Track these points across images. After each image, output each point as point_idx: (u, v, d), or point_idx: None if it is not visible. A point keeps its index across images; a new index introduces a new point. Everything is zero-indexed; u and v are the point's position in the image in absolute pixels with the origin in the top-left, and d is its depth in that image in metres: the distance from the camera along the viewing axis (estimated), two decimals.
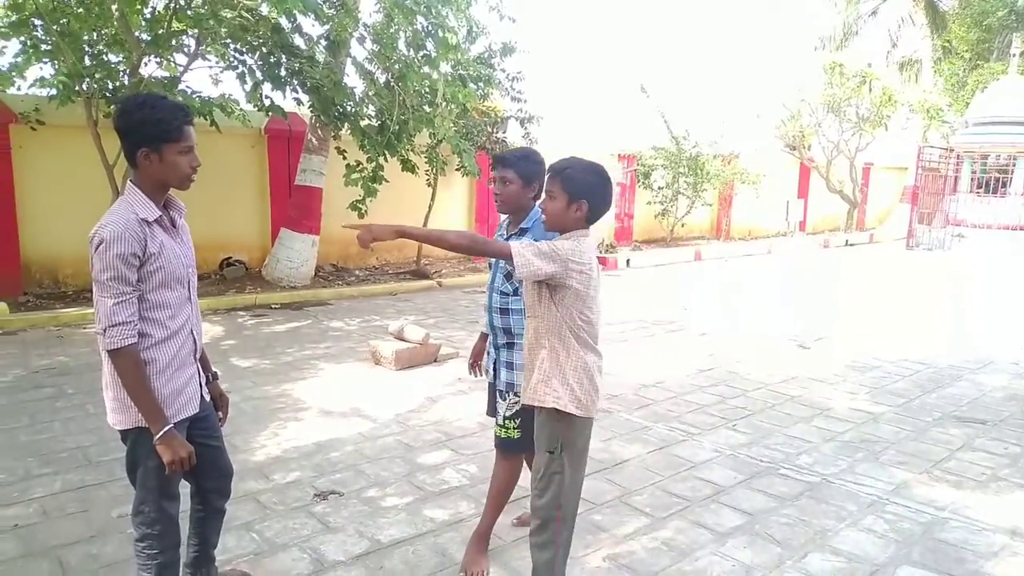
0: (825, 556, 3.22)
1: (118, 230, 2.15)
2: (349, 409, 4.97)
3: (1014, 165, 16.62)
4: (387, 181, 9.00)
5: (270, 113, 8.37)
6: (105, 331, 2.16)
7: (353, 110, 8.55)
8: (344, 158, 8.93)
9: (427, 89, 8.63)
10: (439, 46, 7.84)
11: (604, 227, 14.44)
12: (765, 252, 15.92)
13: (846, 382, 5.97)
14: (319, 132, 9.31)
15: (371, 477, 3.91)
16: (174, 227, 2.37)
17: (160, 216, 2.28)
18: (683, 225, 15.38)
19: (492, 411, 3.13)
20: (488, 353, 3.13)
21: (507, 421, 2.93)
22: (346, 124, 8.79)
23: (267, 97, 8.12)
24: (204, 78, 8.07)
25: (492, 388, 3.10)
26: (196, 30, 7.32)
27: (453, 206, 12.12)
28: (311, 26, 8.49)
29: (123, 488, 3.69)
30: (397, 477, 3.92)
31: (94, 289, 2.19)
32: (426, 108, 8.74)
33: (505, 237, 2.96)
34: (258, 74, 8.12)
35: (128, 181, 2.29)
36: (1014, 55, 16.90)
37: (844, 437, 4.72)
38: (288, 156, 10.07)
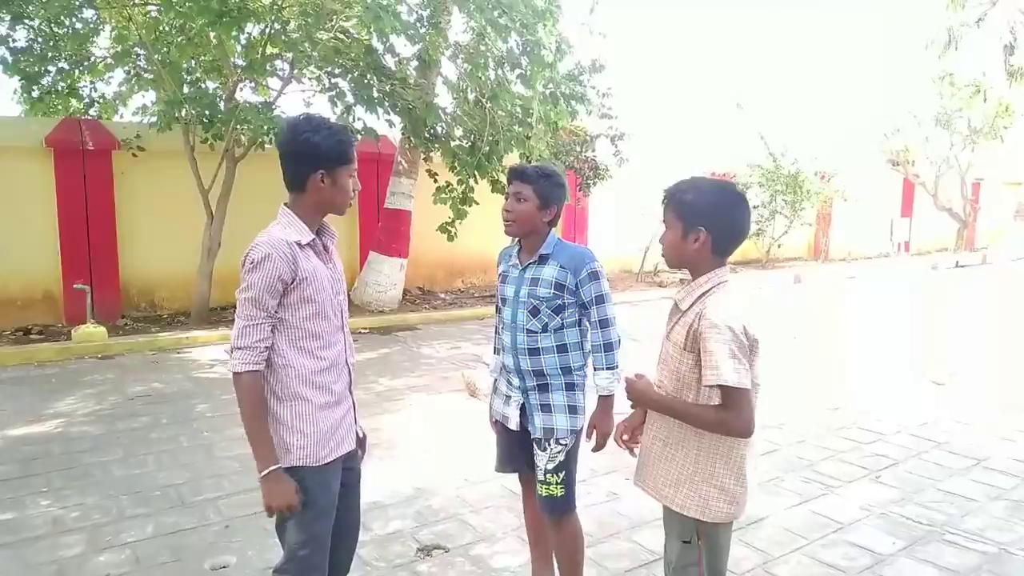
0: None
1: (268, 251, 2.05)
2: (447, 448, 4.65)
3: None
4: (477, 203, 8.75)
5: (361, 135, 8.27)
6: (232, 352, 2.06)
7: (444, 131, 8.36)
8: (435, 180, 8.75)
9: (518, 108, 8.37)
10: (534, 63, 7.56)
11: None
12: (869, 274, 14.93)
13: (998, 427, 5.26)
14: (408, 155, 9.17)
15: (477, 530, 3.56)
16: (327, 252, 2.25)
17: (314, 239, 2.17)
18: (779, 246, 14.60)
19: (509, 464, 2.78)
20: (505, 396, 2.69)
21: (550, 476, 2.56)
22: (436, 145, 8.60)
23: (359, 119, 8.02)
24: (296, 102, 8.03)
25: (507, 438, 2.72)
26: (290, 54, 7.27)
27: None
28: (403, 47, 8.38)
29: (216, 534, 3.46)
30: (506, 531, 3.55)
31: (239, 305, 2.10)
32: (516, 128, 8.47)
33: (520, 268, 2.61)
34: (349, 97, 8.03)
35: (283, 206, 2.17)
36: None
37: (1013, 495, 4.07)
38: (377, 179, 9.98)
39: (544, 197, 2.56)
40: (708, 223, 1.99)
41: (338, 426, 2.22)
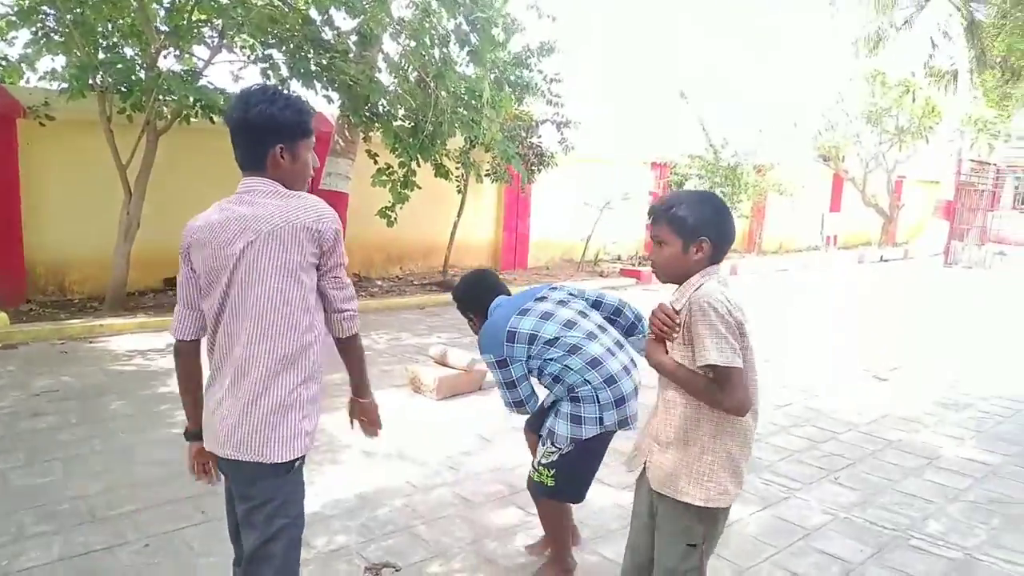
0: None
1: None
2: (393, 449, 4.32)
3: None
4: (419, 187, 8.38)
5: None
6: (351, 315, 2.09)
7: (386, 110, 7.94)
8: (375, 162, 8.32)
9: (463, 90, 8.01)
10: (484, 42, 7.21)
11: (635, 240, 13.81)
12: (801, 267, 15.24)
13: (944, 423, 5.30)
14: (346, 134, 8.69)
15: (430, 544, 3.27)
16: None
17: None
18: None
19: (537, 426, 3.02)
20: None
21: (541, 468, 2.80)
22: (376, 125, 8.17)
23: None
24: (224, 73, 7.43)
25: (540, 412, 2.96)
26: (220, 20, 6.71)
27: (481, 215, 11.50)
28: (343, 19, 7.89)
29: (133, 555, 3.06)
30: (461, 545, 3.27)
31: (340, 274, 2.07)
32: (461, 110, 8.13)
33: None
34: (284, 70, 7.51)
35: (262, 180, 1.96)
36: None
37: (969, 496, 4.05)
38: None
39: (471, 310, 3.07)
40: (708, 234, 2.05)
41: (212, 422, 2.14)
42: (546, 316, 2.77)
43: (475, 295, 2.99)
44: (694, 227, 2.04)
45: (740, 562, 3.23)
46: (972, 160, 17.54)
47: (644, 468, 2.20)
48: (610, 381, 2.69)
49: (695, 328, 1.97)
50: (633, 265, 12.60)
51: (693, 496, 2.04)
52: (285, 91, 1.99)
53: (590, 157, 11.77)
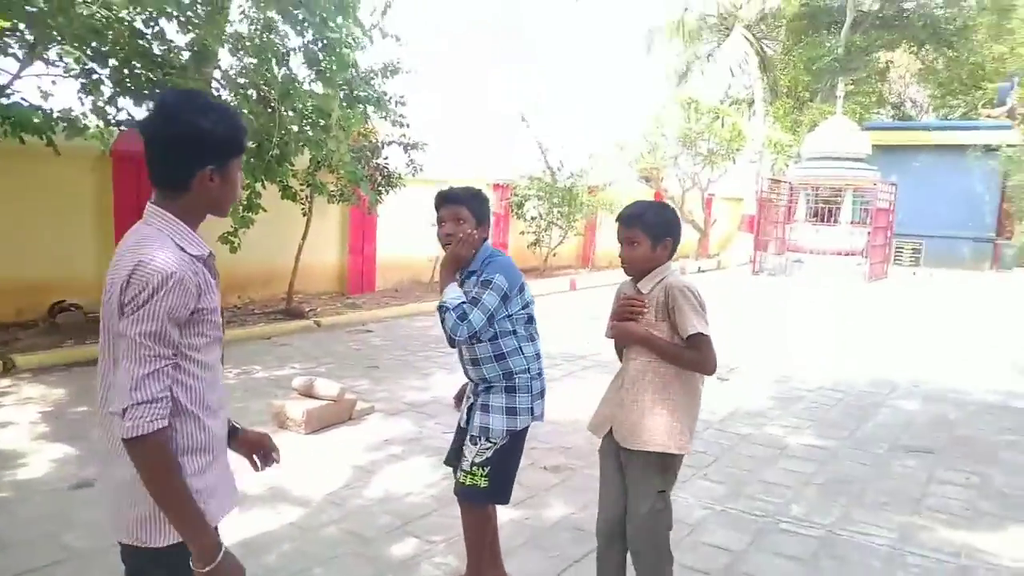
0: None
1: (174, 269, 1.58)
2: (267, 491, 4.04)
3: (842, 196, 18.20)
4: (265, 210, 7.96)
5: (121, 130, 7.11)
6: (128, 411, 1.54)
7: None
8: None
9: (309, 108, 7.74)
10: (337, 63, 7.00)
11: None
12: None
13: (784, 416, 5.85)
14: None
15: None
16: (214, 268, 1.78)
17: (211, 253, 1.75)
18: (555, 255, 15.29)
19: (454, 458, 2.92)
20: (468, 397, 2.93)
21: (475, 468, 2.74)
22: None
23: (121, 111, 6.86)
24: (30, 87, 6.57)
25: (457, 433, 2.93)
26: (33, 28, 6.01)
27: (326, 238, 11.12)
28: (175, 33, 7.33)
29: None
30: None
31: (120, 349, 1.59)
32: (308, 130, 7.85)
33: (459, 282, 2.73)
34: (105, 85, 6.84)
35: (155, 207, 1.69)
36: (839, 96, 18.63)
37: (818, 479, 4.50)
38: (139, 182, 8.69)
39: (479, 215, 2.75)
40: (671, 234, 2.56)
41: (225, 483, 1.82)
42: (532, 300, 2.87)
43: (485, 205, 2.79)
44: (661, 230, 2.52)
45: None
46: (769, 179, 19.60)
47: (610, 435, 2.63)
48: (541, 373, 2.88)
49: (678, 307, 2.44)
50: None
51: (666, 446, 2.48)
52: (212, 99, 1.75)
53: (436, 178, 11.76)
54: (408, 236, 12.23)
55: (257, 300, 10.38)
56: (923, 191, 20.73)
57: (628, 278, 2.68)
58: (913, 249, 21.34)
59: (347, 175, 7.85)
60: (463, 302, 2.61)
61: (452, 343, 2.63)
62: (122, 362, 1.58)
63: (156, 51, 7.21)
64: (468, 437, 2.79)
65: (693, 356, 2.48)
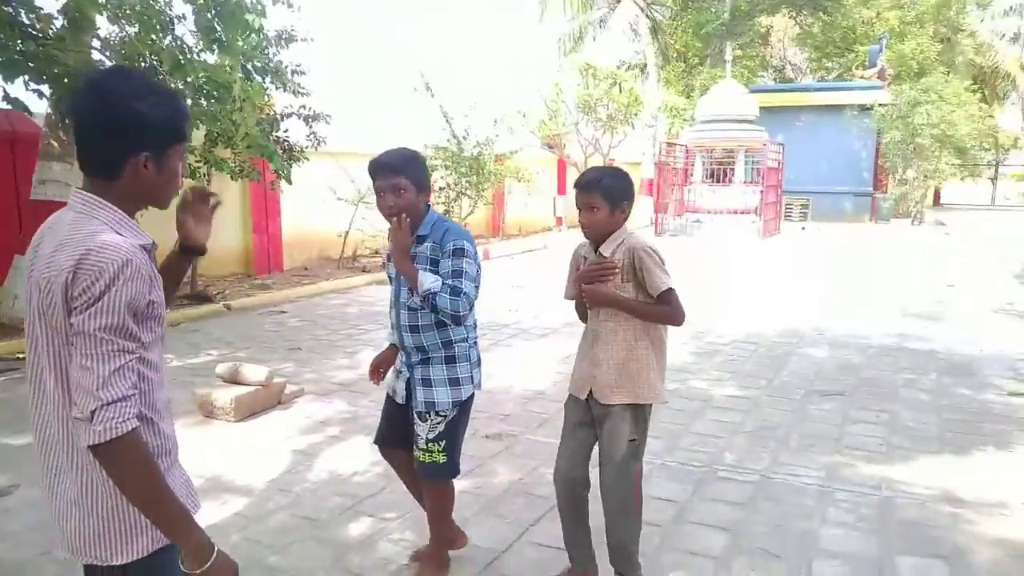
0: (829, 562, 3.09)
1: (127, 257, 1.45)
2: (207, 482, 3.86)
3: (734, 157, 18.99)
4: None
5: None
6: (96, 413, 1.40)
7: None
8: None
9: (202, 80, 7.29)
10: (232, 29, 6.59)
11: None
12: (543, 247, 16.37)
13: (705, 369, 6.10)
14: (60, 134, 7.45)
15: (291, 573, 3.00)
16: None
17: (154, 243, 1.60)
18: (466, 225, 15.22)
19: (389, 438, 2.90)
20: (396, 371, 2.86)
21: (431, 444, 2.71)
22: None
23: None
24: None
25: (393, 411, 2.86)
26: None
27: (227, 216, 10.60)
28: None
29: None
30: (325, 566, 3.06)
31: (77, 347, 1.44)
32: (203, 103, 7.41)
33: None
34: None
35: (85, 194, 1.54)
36: (727, 61, 19.31)
37: (745, 427, 4.73)
38: (13, 165, 7.98)
39: (419, 182, 2.64)
40: (627, 198, 2.65)
41: (184, 486, 1.68)
42: None
43: (423, 169, 2.68)
44: (618, 194, 2.61)
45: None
46: (665, 142, 20.18)
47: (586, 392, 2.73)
48: (476, 342, 2.87)
49: (645, 267, 2.56)
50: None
51: (644, 397, 2.64)
52: (151, 81, 1.57)
53: (340, 151, 11.44)
54: (314, 212, 11.86)
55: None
56: (807, 150, 21.95)
57: (584, 242, 2.76)
58: (801, 205, 22.62)
59: (256, 150, 7.47)
60: (443, 282, 2.57)
61: (458, 320, 2.62)
62: (81, 362, 1.44)
63: (24, 20, 6.60)
64: (415, 414, 2.73)
65: (664, 311, 2.63)
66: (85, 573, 1.64)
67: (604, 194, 2.58)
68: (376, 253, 13.26)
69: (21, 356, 6.62)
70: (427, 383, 2.70)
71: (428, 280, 2.56)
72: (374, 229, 12.75)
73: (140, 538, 1.55)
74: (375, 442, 2.97)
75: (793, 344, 6.94)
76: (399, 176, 2.57)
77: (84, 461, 1.52)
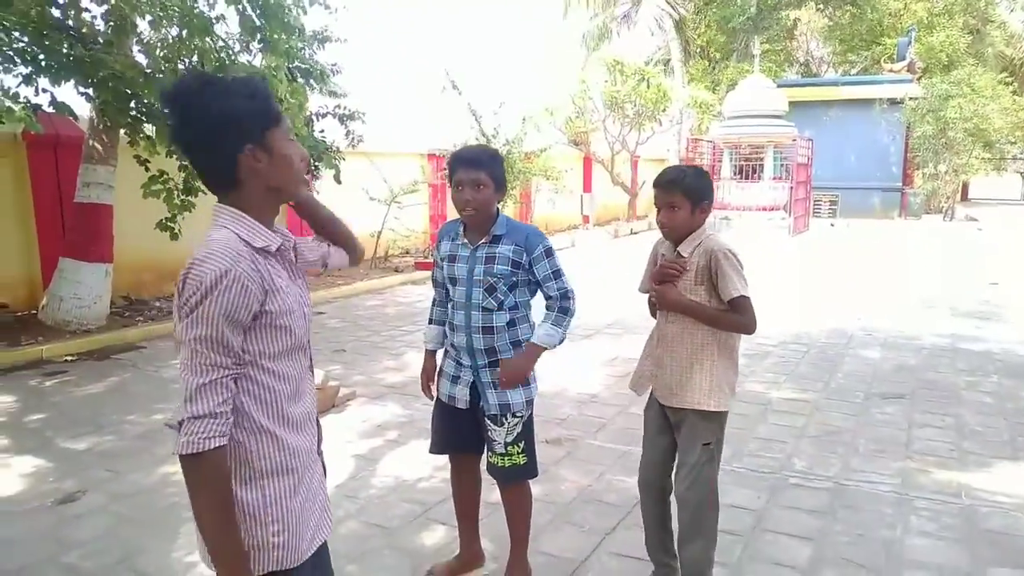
0: (918, 574, 3.00)
1: (226, 266, 1.42)
2: None
3: (763, 153, 18.77)
4: (204, 193, 7.48)
5: (39, 112, 6.50)
6: (183, 424, 1.40)
7: (156, 108, 6.93)
8: (147, 169, 7.28)
9: None
10: (276, 29, 6.56)
11: (419, 232, 13.74)
12: (570, 245, 16.29)
13: (757, 370, 6.01)
14: (103, 137, 7.48)
15: None
16: (295, 263, 1.64)
17: (283, 244, 1.59)
18: None
19: (454, 443, 2.84)
20: (452, 377, 2.76)
21: (510, 447, 2.68)
22: (144, 127, 7.15)
23: (44, 91, 6.26)
24: None
25: (454, 417, 2.76)
26: None
27: None
28: (88, 1, 6.71)
29: None
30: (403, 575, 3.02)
31: (180, 355, 1.45)
32: None
33: (472, 247, 2.63)
34: (18, 61, 6.22)
35: (218, 206, 1.56)
36: (755, 56, 19.09)
37: (810, 432, 4.65)
38: (56, 168, 8.03)
39: (498, 180, 2.61)
40: (708, 198, 2.59)
41: (314, 505, 1.66)
42: None
43: (503, 168, 2.68)
44: (700, 193, 2.55)
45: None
46: (690, 139, 19.99)
47: (651, 393, 2.75)
48: None
49: (721, 271, 2.50)
50: (425, 257, 12.52)
51: (709, 404, 2.57)
52: (211, 76, 1.56)
53: (371, 151, 11.41)
54: (346, 211, 11.81)
55: None
56: (835, 145, 21.66)
57: (662, 239, 2.75)
58: (830, 201, 22.33)
59: (309, 150, 7.45)
60: (556, 312, 2.66)
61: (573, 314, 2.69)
62: (180, 370, 1.44)
63: (71, 23, 6.62)
64: (487, 419, 2.68)
65: (735, 319, 2.55)
66: None
67: (686, 192, 2.53)
68: (407, 253, 13.25)
69: (70, 359, 6.67)
70: (496, 386, 2.66)
71: (552, 337, 2.66)
72: (406, 229, 12.81)
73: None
74: (432, 451, 2.92)
75: (843, 345, 6.82)
76: (481, 171, 2.55)
77: None
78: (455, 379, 2.73)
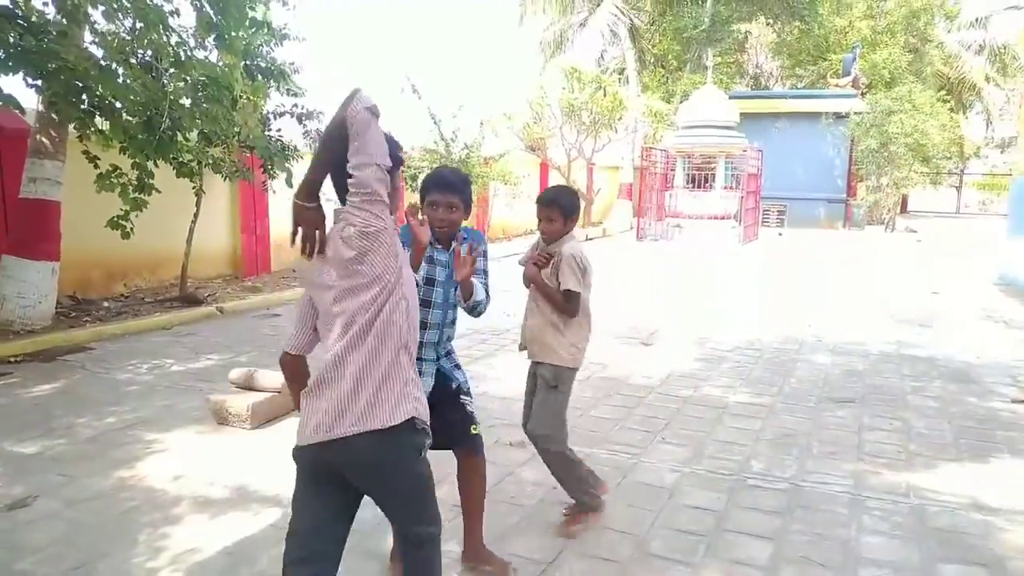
0: (874, 571, 3.13)
1: None
2: (235, 494, 3.78)
3: (715, 163, 19.18)
4: (158, 191, 7.32)
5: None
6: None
7: (108, 102, 6.74)
8: (96, 165, 7.07)
9: (202, 78, 7.13)
10: (233, 26, 6.43)
11: None
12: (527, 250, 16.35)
13: (712, 375, 6.15)
14: (51, 131, 7.24)
15: None
16: None
17: None
18: None
19: (439, 442, 2.85)
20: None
21: (475, 420, 3.01)
22: (96, 120, 6.94)
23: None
24: None
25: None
26: None
27: (215, 217, 10.39)
28: None
29: None
30: None
31: None
32: (202, 103, 7.26)
33: (446, 251, 2.91)
34: None
35: None
36: (708, 67, 19.50)
37: (766, 435, 4.77)
38: (0, 162, 7.73)
39: (468, 203, 2.90)
40: (576, 213, 3.37)
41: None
42: None
43: (471, 189, 2.96)
44: (571, 209, 3.32)
45: (634, 531, 3.44)
46: (645, 147, 20.31)
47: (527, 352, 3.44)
48: None
49: (562, 269, 3.24)
50: None
51: (563, 359, 3.33)
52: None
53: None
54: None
55: (146, 288, 9.60)
56: (783, 156, 22.28)
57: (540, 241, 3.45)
58: (778, 211, 22.95)
59: (260, 151, 7.34)
60: (482, 284, 2.94)
61: (479, 313, 2.92)
62: None
63: (19, 12, 6.39)
64: (461, 394, 2.97)
65: (562, 304, 3.30)
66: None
67: (561, 209, 3.28)
68: None
69: (14, 360, 6.42)
70: (458, 367, 3.01)
71: (479, 292, 2.88)
72: None
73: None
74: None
75: (795, 351, 7.02)
76: (456, 195, 2.82)
77: None
78: (420, 374, 2.85)
